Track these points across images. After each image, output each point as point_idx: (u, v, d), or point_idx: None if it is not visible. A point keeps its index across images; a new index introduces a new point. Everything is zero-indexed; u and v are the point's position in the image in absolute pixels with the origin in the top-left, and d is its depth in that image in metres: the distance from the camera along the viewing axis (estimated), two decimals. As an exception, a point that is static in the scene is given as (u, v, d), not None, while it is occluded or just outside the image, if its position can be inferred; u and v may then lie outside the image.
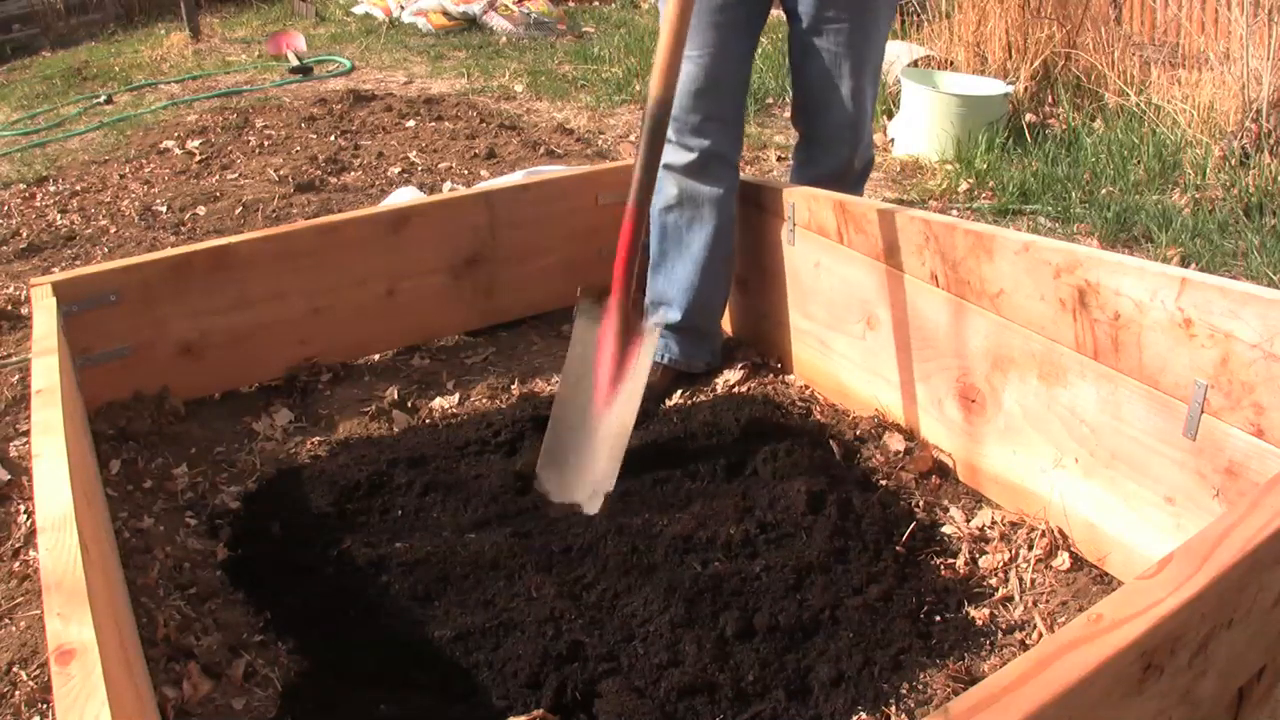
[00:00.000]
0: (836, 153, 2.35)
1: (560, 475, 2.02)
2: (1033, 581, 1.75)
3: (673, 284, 2.40)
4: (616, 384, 2.00)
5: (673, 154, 2.27)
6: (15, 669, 1.65)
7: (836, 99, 2.27)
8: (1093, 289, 1.66)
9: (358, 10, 7.74)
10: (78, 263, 3.37)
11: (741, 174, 2.38)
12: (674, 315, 2.39)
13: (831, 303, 2.26)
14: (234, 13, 8.15)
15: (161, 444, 2.23)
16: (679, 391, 2.43)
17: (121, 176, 4.26)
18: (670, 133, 2.20)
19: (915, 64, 4.70)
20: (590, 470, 1.99)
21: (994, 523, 1.89)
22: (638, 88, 5.23)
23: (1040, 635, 1.63)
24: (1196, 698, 1.11)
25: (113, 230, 3.64)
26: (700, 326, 2.43)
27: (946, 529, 1.89)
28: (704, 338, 2.45)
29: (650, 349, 1.99)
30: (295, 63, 6.06)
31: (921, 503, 1.96)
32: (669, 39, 1.94)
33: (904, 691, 1.53)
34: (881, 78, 4.43)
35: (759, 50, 3.25)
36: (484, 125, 4.72)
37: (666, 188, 2.32)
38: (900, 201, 3.63)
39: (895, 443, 2.10)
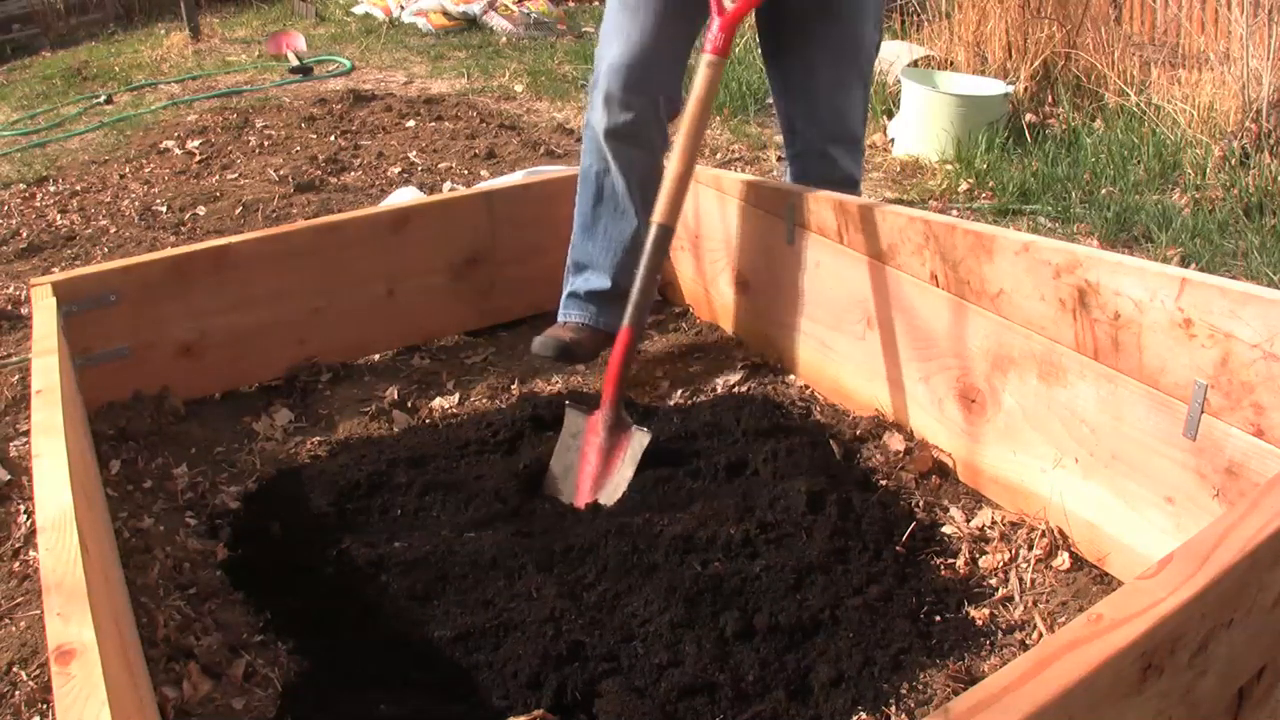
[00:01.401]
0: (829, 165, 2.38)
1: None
2: (1033, 581, 1.75)
3: (601, 247, 2.44)
4: (602, 480, 2.03)
5: (602, 120, 2.32)
6: (15, 669, 1.65)
7: (822, 104, 2.32)
8: (1093, 289, 1.66)
9: (358, 10, 7.74)
10: (78, 263, 3.37)
11: (741, 174, 2.39)
12: (604, 282, 2.44)
13: (831, 303, 2.26)
14: (234, 13, 8.15)
15: (161, 444, 2.23)
16: (680, 392, 2.43)
17: (121, 176, 4.26)
18: (599, 100, 2.31)
19: (915, 64, 4.70)
20: None
21: (994, 523, 1.89)
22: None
23: (1040, 635, 1.63)
24: (1196, 698, 1.11)
25: (113, 230, 3.64)
26: (628, 290, 2.43)
27: (946, 529, 1.89)
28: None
29: (638, 449, 2.02)
30: (295, 63, 6.06)
31: (921, 503, 1.96)
32: (679, 169, 2.06)
33: (904, 691, 1.53)
34: (882, 78, 4.43)
35: (758, 48, 3.24)
36: (484, 125, 4.72)
37: (596, 150, 2.37)
38: (900, 201, 3.63)
39: (895, 443, 2.10)
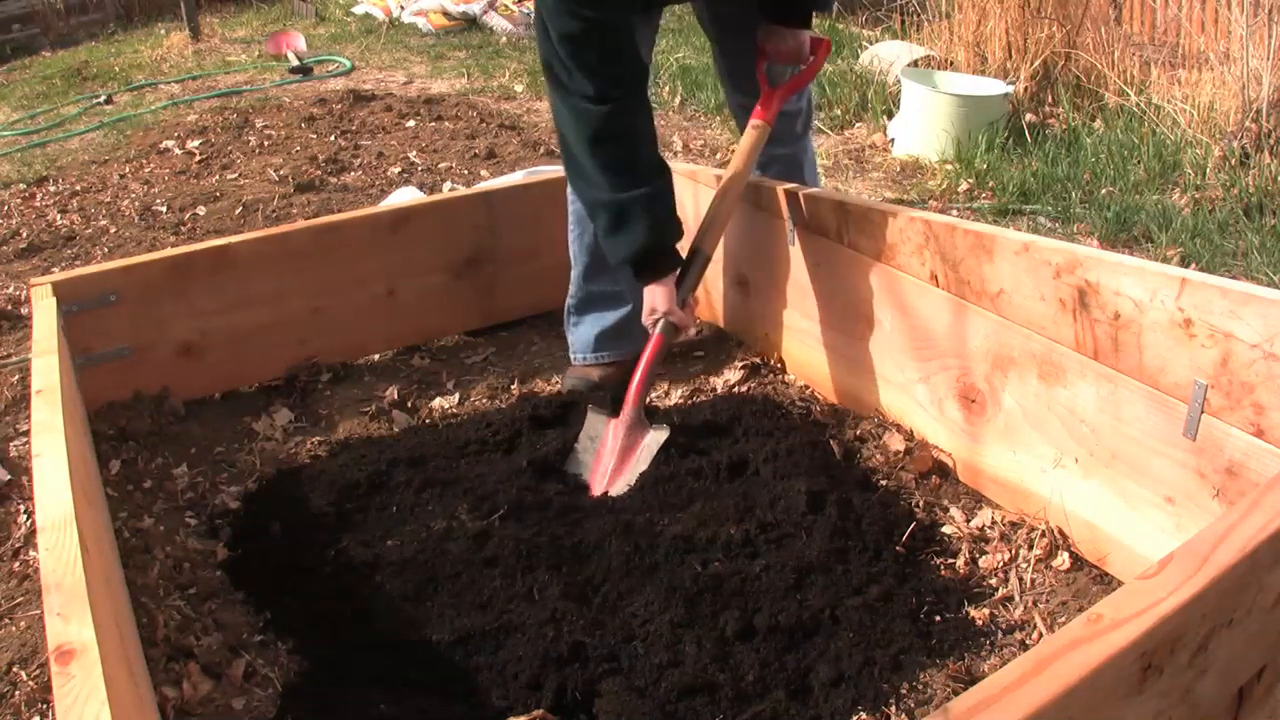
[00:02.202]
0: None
1: None
2: (1033, 581, 1.75)
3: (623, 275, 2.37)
4: (615, 478, 2.05)
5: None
6: (15, 669, 1.65)
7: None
8: (1093, 289, 1.66)
9: (358, 10, 7.74)
10: (78, 263, 3.38)
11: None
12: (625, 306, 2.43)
13: (831, 303, 2.26)
14: (234, 13, 8.15)
15: (161, 444, 2.23)
16: (680, 392, 2.43)
17: (121, 176, 4.26)
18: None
19: (915, 64, 4.70)
20: None
21: (994, 523, 1.89)
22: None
23: (1040, 635, 1.63)
24: (1196, 698, 1.11)
25: (113, 230, 3.64)
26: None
27: (946, 529, 1.89)
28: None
29: (654, 446, 2.05)
30: (295, 63, 6.06)
31: (921, 503, 1.96)
32: (727, 210, 2.23)
33: (904, 691, 1.53)
34: (882, 78, 4.42)
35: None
36: (484, 125, 4.72)
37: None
38: (900, 201, 3.63)
39: (895, 443, 2.10)
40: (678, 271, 2.14)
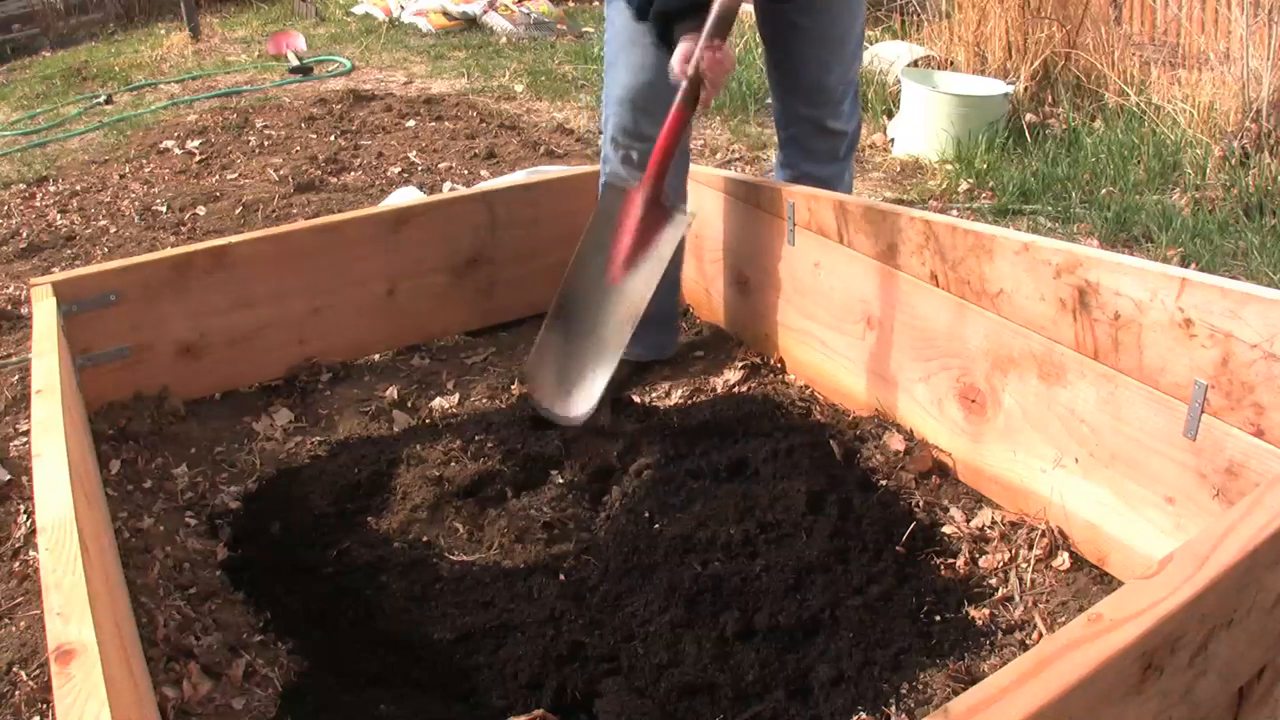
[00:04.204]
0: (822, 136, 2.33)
1: (559, 363, 2.01)
2: (1033, 581, 1.75)
3: None
4: (637, 256, 1.96)
5: (614, 164, 2.28)
6: (15, 669, 1.65)
7: (815, 75, 2.28)
8: (1093, 289, 1.66)
9: (358, 10, 7.75)
10: (78, 263, 3.38)
11: (741, 174, 2.38)
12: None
13: (831, 303, 2.26)
14: (234, 13, 8.15)
15: (161, 444, 2.23)
16: (680, 392, 2.43)
17: (121, 176, 4.26)
18: (609, 147, 2.27)
19: (915, 64, 4.70)
20: (596, 344, 1.96)
21: (994, 523, 1.89)
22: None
23: (1040, 635, 1.63)
24: (1196, 698, 1.11)
25: (113, 230, 3.64)
26: (666, 309, 2.44)
27: (946, 529, 1.89)
28: (665, 322, 2.48)
29: (678, 231, 1.95)
30: (295, 63, 6.06)
31: (921, 503, 1.96)
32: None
33: (904, 691, 1.53)
34: (882, 78, 4.42)
35: (758, 48, 3.24)
36: (484, 125, 4.72)
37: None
38: (900, 201, 3.63)
39: (895, 443, 2.10)
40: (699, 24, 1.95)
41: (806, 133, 2.35)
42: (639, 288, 1.99)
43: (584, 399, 2.03)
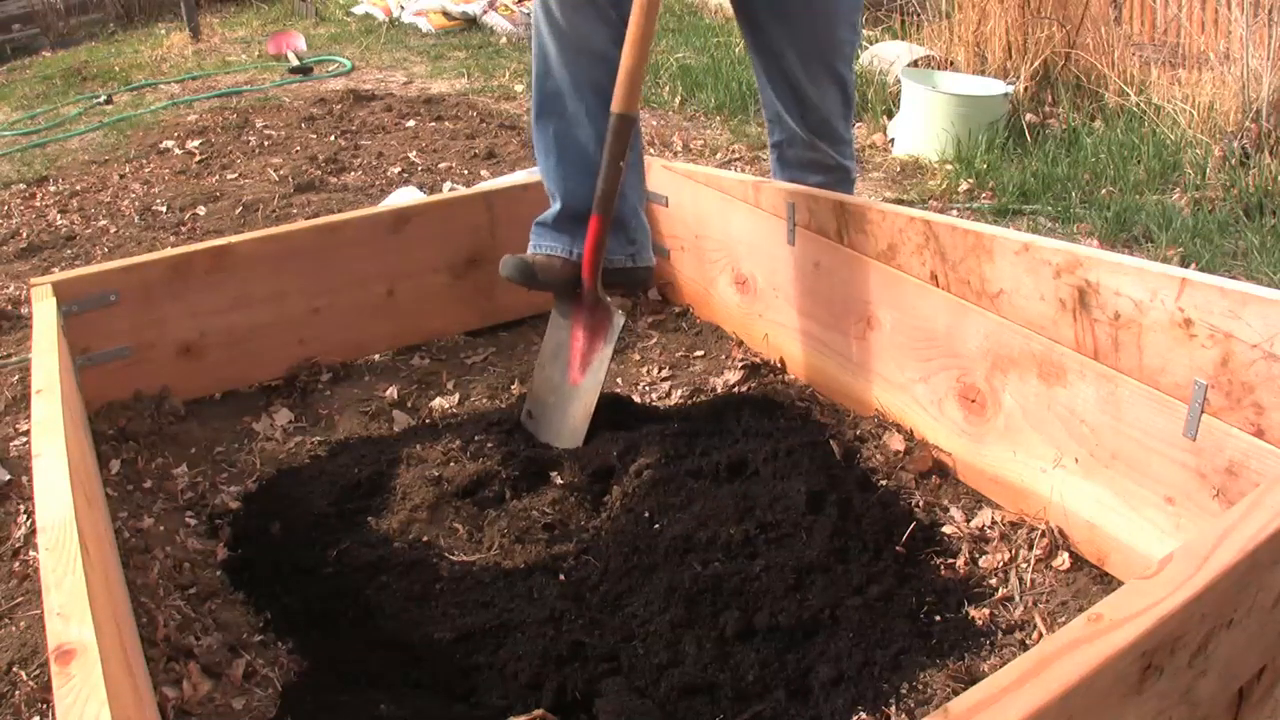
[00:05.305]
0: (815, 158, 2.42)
1: (541, 426, 2.24)
2: (1033, 581, 1.75)
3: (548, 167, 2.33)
4: (589, 356, 2.20)
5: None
6: (15, 669, 1.65)
7: (800, 95, 2.34)
8: (1093, 289, 1.66)
9: (358, 10, 7.75)
10: (78, 263, 3.38)
11: (741, 174, 2.39)
12: (555, 205, 2.33)
13: (831, 303, 2.26)
14: (234, 13, 8.16)
15: (161, 444, 2.23)
16: (680, 392, 2.43)
17: (121, 176, 4.26)
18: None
19: (915, 64, 4.70)
20: (567, 423, 2.20)
21: (994, 523, 1.89)
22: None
23: (1040, 635, 1.63)
24: (1196, 698, 1.11)
25: (113, 230, 3.64)
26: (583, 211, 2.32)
27: (946, 529, 1.89)
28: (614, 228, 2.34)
29: (616, 327, 2.19)
30: (295, 63, 6.06)
31: (921, 503, 1.96)
32: (635, 57, 2.01)
33: (904, 691, 1.53)
34: (882, 78, 4.41)
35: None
36: (484, 125, 4.72)
37: (541, 54, 2.23)
38: (900, 201, 3.63)
39: (895, 443, 2.10)
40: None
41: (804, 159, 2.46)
42: (595, 378, 2.19)
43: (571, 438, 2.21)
